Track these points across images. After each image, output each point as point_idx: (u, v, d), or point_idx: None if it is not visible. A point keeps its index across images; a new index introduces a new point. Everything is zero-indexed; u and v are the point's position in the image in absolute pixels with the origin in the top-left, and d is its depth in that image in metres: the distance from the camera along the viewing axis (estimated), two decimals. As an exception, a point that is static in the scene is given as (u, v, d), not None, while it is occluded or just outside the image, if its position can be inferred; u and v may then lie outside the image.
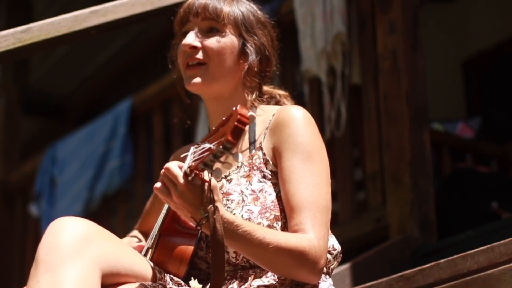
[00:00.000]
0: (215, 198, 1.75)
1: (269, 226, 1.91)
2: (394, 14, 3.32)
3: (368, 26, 3.54)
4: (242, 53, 2.08)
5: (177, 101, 4.49)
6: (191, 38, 2.07)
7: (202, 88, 2.07)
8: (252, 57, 2.08)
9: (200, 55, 2.07)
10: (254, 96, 2.10)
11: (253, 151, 2.00)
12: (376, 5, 3.42)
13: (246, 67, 2.07)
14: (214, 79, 2.06)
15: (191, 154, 1.74)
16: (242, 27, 2.09)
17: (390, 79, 3.29)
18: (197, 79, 2.06)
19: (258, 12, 2.14)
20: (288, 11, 3.83)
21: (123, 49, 6.68)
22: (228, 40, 2.07)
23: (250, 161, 1.99)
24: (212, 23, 2.08)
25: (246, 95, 2.10)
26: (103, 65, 6.94)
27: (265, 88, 2.19)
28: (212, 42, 2.06)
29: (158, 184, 1.79)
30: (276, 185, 1.96)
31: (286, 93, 2.21)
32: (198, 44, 2.06)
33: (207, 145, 1.67)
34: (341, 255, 2.02)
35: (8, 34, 2.49)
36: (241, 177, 1.98)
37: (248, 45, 2.08)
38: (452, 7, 5.80)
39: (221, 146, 1.61)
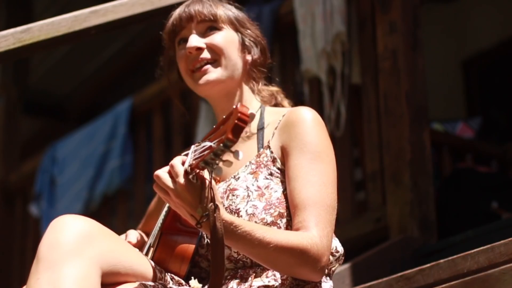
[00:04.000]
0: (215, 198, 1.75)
1: (273, 223, 1.91)
2: (394, 14, 3.32)
3: (368, 26, 3.54)
4: (243, 46, 2.12)
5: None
6: (195, 41, 2.08)
7: (216, 85, 2.08)
8: (254, 48, 2.12)
9: (206, 55, 2.08)
10: (260, 85, 2.14)
11: (261, 149, 2.01)
12: (376, 5, 3.42)
13: (251, 58, 2.12)
14: (226, 73, 2.08)
15: (192, 152, 1.74)
16: (236, 23, 2.13)
17: (390, 79, 3.29)
18: (210, 76, 2.07)
19: (242, 12, 2.19)
20: (288, 11, 3.83)
21: (123, 49, 6.68)
22: (229, 34, 2.11)
23: (258, 159, 2.00)
24: (210, 24, 2.10)
25: (252, 85, 2.13)
26: (103, 65, 6.93)
27: (261, 86, 2.20)
28: (216, 37, 2.09)
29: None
30: (282, 183, 1.97)
31: (279, 89, 2.23)
32: (203, 45, 2.08)
33: (207, 143, 1.66)
34: (343, 258, 2.02)
35: (8, 34, 2.49)
36: (248, 174, 1.98)
37: (246, 38, 2.12)
38: (452, 7, 5.80)
39: (221, 144, 1.61)
